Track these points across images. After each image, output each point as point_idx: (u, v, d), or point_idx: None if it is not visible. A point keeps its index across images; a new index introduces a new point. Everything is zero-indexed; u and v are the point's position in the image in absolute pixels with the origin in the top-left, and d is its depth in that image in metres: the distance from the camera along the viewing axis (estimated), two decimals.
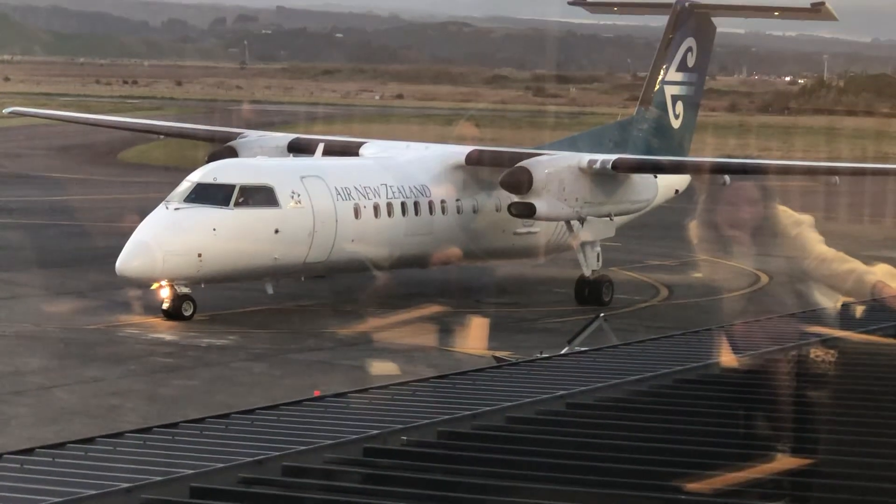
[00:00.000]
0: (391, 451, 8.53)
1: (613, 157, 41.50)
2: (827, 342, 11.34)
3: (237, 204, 36.33)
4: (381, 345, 33.18)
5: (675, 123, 48.65)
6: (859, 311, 12.84)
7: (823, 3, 48.23)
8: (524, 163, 40.07)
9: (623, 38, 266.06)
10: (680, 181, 46.64)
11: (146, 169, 74.70)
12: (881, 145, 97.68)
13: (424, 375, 12.52)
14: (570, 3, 51.64)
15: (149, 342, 34.24)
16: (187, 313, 36.00)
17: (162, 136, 62.93)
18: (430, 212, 40.39)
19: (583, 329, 27.34)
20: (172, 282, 35.76)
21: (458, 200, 41.10)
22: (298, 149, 43.36)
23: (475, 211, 41.43)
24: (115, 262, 35.37)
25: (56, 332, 34.67)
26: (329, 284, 40.47)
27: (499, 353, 26.65)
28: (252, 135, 45.24)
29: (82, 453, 8.51)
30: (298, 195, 37.28)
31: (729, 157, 58.44)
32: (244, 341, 34.66)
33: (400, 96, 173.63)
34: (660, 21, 49.76)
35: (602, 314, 29.99)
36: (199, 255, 35.58)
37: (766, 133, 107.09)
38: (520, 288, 43.50)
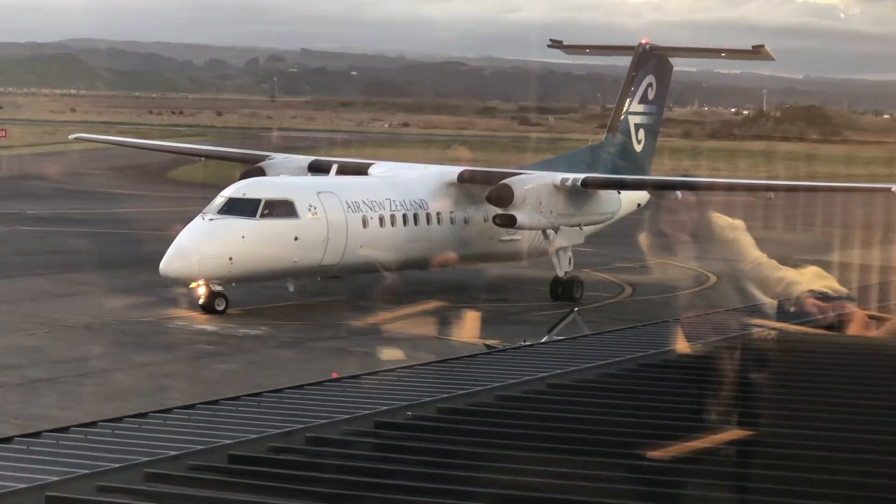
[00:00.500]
0: (398, 424, 8.51)
1: (583, 175, 41.62)
2: (765, 332, 11.32)
3: (262, 215, 36.36)
4: (389, 334, 33.14)
5: (638, 147, 48.67)
6: (792, 306, 12.83)
7: (763, 46, 48.34)
8: (507, 181, 40.23)
9: (594, 76, 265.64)
10: (641, 196, 46.65)
11: (190, 186, 74.58)
12: (811, 166, 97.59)
13: (426, 360, 12.49)
14: (549, 46, 51.65)
15: (193, 332, 34.22)
16: (220, 308, 36.00)
17: (203, 158, 63.00)
18: (428, 222, 40.45)
19: (560, 321, 27.26)
20: (208, 281, 35.79)
21: (451, 213, 41.16)
22: (317, 169, 43.36)
23: (466, 221, 41.47)
24: None
25: (114, 323, 34.65)
26: (344, 284, 40.46)
27: (489, 341, 26.52)
28: (278, 157, 45.26)
29: (136, 426, 8.49)
30: (315, 208, 37.29)
31: (684, 175, 58.37)
32: (274, 331, 34.65)
33: (406, 124, 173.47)
34: (624, 61, 49.77)
35: (576, 308, 29.99)
36: (230, 259, 35.59)
37: (715, 156, 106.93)
38: (506, 286, 43.51)
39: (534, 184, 40.30)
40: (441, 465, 7.39)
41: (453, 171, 42.33)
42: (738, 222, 14.85)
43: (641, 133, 48.75)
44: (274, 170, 42.92)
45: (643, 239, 45.32)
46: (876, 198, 49.81)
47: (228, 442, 7.79)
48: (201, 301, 35.92)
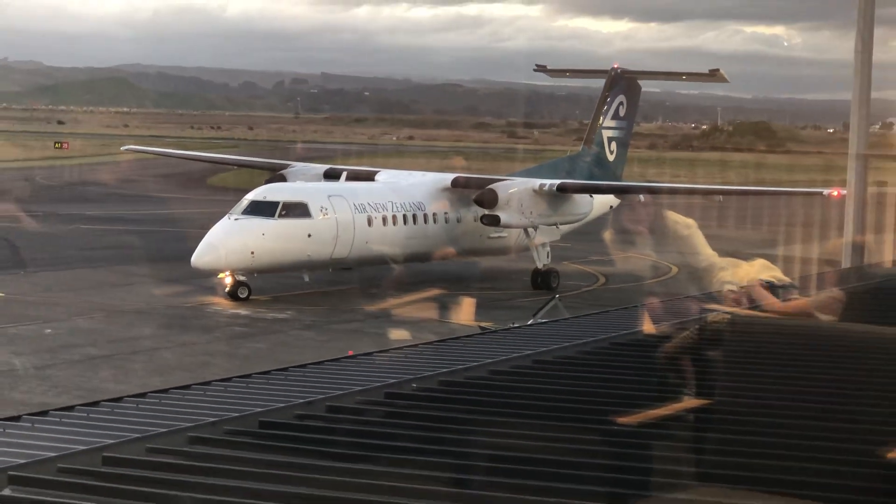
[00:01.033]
0: (406, 394, 8.52)
1: (558, 181, 41.69)
2: (720, 316, 11.32)
3: (280, 216, 36.41)
4: (397, 318, 33.15)
5: (611, 157, 48.62)
6: (743, 294, 12.82)
7: (718, 70, 48.31)
8: (492, 186, 40.40)
9: (572, 96, 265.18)
10: (613, 199, 46.62)
11: (226, 190, 74.55)
12: (760, 174, 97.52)
13: (429, 340, 12.50)
14: (535, 70, 51.60)
15: (228, 316, 34.21)
16: (243, 296, 36.07)
17: (236, 167, 62.92)
18: (425, 221, 40.53)
19: (543, 306, 27.29)
20: (233, 272, 35.85)
21: (445, 213, 41.22)
22: (332, 175, 43.39)
23: (459, 221, 41.51)
24: None
25: (161, 308, 34.64)
26: (357, 275, 40.45)
27: (483, 323, 26.60)
28: (298, 165, 45.35)
29: (181, 396, 8.50)
30: (326, 209, 37.35)
31: (648, 182, 58.33)
32: (298, 315, 34.64)
33: (411, 138, 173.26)
34: (599, 83, 49.73)
35: (557, 295, 29.99)
36: (252, 253, 35.65)
37: (676, 164, 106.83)
38: (496, 277, 43.49)
39: (516, 188, 40.44)
40: (441, 430, 7.40)
41: (448, 178, 42.36)
42: (691, 221, 14.84)
43: (614, 145, 48.71)
44: (294, 176, 43.01)
45: (608, 235, 45.39)
46: (814, 200, 49.78)
47: (259, 410, 7.80)
48: (227, 290, 36.06)
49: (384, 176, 43.45)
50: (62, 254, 45.35)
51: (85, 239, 50.61)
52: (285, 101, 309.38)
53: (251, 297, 36.22)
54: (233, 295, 35.90)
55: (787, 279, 13.69)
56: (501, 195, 39.84)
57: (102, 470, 6.38)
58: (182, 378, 23.09)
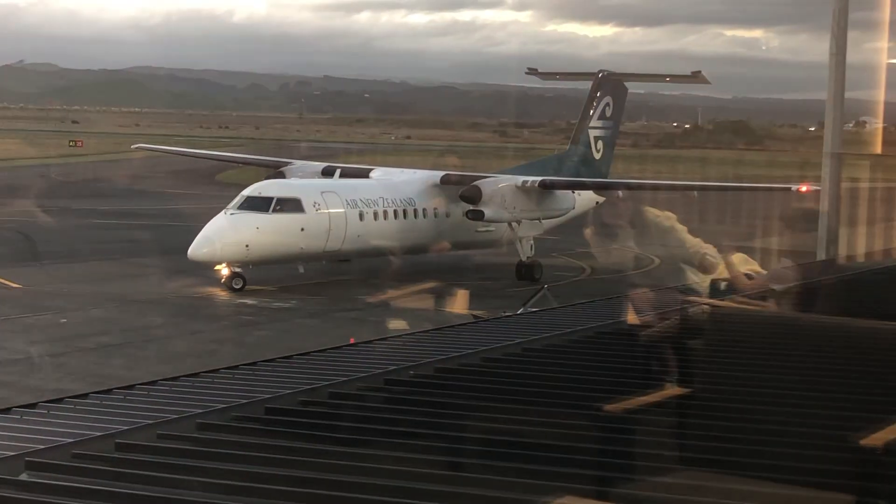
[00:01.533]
0: (403, 381, 8.51)
1: (540, 178, 41.70)
2: (700, 307, 11.32)
3: (274, 210, 36.46)
4: (395, 307, 33.18)
5: (597, 156, 48.62)
6: (722, 285, 12.82)
7: (699, 72, 48.38)
8: (477, 182, 40.54)
9: (561, 97, 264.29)
10: (598, 196, 46.65)
11: (233, 187, 74.42)
12: (738, 170, 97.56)
13: (425, 328, 12.49)
14: (527, 73, 51.65)
15: (236, 305, 34.23)
16: (237, 287, 36.08)
17: (241, 164, 62.87)
18: (415, 216, 40.59)
19: (533, 296, 27.30)
20: (228, 264, 35.85)
21: (435, 208, 41.28)
22: (329, 173, 43.47)
23: (447, 216, 41.55)
24: None
25: (171, 298, 34.63)
26: (357, 266, 40.45)
27: (476, 312, 26.61)
28: (297, 163, 45.49)
29: (190, 383, 8.48)
30: (318, 204, 37.41)
31: (630, 179, 58.31)
32: (302, 304, 34.65)
33: (408, 137, 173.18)
34: (586, 85, 49.73)
35: (546, 285, 30.02)
36: (247, 246, 35.68)
37: (659, 162, 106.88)
38: (487, 268, 43.50)
39: (499, 185, 40.48)
40: (437, 415, 7.39)
41: (437, 175, 42.46)
42: (670, 213, 14.84)
43: (600, 144, 48.70)
44: (293, 173, 43.08)
45: (590, 231, 45.38)
46: (791, 195, 49.80)
47: (266, 396, 7.78)
48: (223, 281, 36.03)
49: (378, 173, 43.54)
50: (76, 247, 45.32)
51: (98, 233, 50.57)
52: (290, 103, 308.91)
53: (257, 288, 36.21)
54: (228, 286, 35.90)
55: (763, 271, 13.69)
56: (486, 191, 39.93)
57: (115, 455, 6.36)
58: (191, 365, 23.12)
